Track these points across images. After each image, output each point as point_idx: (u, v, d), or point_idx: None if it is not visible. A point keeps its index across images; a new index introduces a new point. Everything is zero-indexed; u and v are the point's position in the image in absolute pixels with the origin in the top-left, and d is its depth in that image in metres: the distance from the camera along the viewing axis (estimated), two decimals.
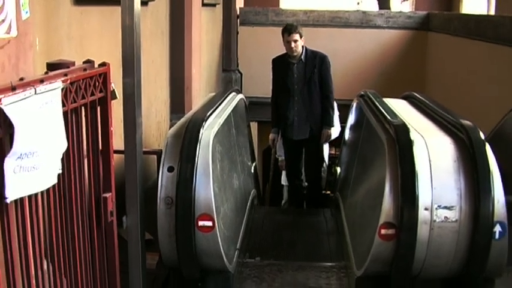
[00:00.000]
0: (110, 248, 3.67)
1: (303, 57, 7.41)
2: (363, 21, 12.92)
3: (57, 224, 3.11)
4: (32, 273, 2.80)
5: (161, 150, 4.45)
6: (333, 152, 8.95)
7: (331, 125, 7.51)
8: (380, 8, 18.21)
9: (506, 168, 5.93)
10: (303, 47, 7.43)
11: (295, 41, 7.26)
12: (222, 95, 5.99)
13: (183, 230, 4.09)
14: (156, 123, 7.17)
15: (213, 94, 6.50)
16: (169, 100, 7.89)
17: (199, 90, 8.74)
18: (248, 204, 5.88)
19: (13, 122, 2.44)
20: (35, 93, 2.65)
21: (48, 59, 3.52)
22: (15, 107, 2.48)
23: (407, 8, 17.28)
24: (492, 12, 14.23)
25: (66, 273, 3.22)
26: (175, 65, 7.99)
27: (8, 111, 2.43)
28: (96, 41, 4.99)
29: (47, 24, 3.97)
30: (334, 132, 7.74)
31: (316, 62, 7.42)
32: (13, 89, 2.55)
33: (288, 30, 7.32)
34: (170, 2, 7.71)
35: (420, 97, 5.86)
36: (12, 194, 2.52)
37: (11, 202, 2.57)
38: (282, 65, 7.55)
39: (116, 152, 3.78)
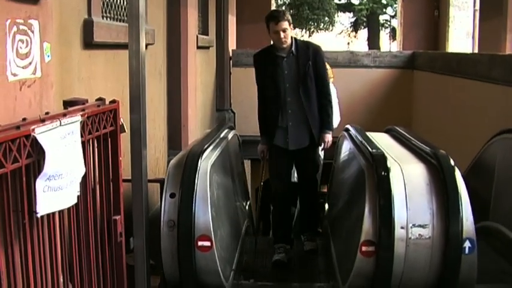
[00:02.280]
0: (118, 264, 4.11)
1: (293, 49, 6.21)
2: (351, 61, 13.49)
3: (75, 241, 3.55)
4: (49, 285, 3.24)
5: (164, 179, 4.91)
6: (325, 190, 8.28)
7: (331, 128, 6.42)
8: (370, 48, 18.77)
9: (484, 195, 6.45)
10: (291, 37, 6.24)
11: (284, 30, 6.07)
12: (217, 130, 6.46)
13: (184, 249, 4.53)
14: (155, 159, 7.58)
15: (209, 130, 6.98)
16: (167, 137, 8.34)
17: (195, 128, 9.21)
18: (242, 231, 6.30)
19: (44, 148, 2.91)
20: (60, 124, 3.11)
21: (62, 97, 3.98)
22: (45, 136, 2.94)
23: (395, 47, 17.84)
24: (476, 50, 14.83)
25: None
26: (173, 104, 8.47)
27: (39, 139, 2.89)
28: (101, 81, 5.45)
29: (61, 66, 4.43)
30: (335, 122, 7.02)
31: (310, 53, 6.22)
32: (42, 120, 3.02)
33: (275, 18, 6.09)
34: (167, 45, 8.21)
35: (400, 130, 6.34)
36: (41, 209, 2.97)
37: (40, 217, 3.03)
38: (267, 60, 6.30)
39: (124, 180, 4.23)
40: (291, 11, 33.32)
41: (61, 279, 3.42)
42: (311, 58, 6.19)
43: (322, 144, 6.35)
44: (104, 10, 5.62)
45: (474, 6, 15.34)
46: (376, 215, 4.45)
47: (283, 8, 33.81)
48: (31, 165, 2.93)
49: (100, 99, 3.94)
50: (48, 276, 3.21)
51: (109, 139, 3.95)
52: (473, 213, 5.13)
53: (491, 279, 5.53)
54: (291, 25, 6.17)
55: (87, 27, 5.05)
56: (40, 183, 2.94)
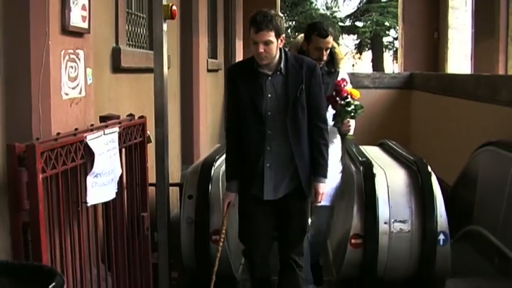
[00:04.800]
0: (145, 253, 4.86)
1: (282, 65, 4.60)
2: (351, 82, 14.16)
3: (111, 231, 4.32)
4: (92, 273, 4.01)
5: (182, 183, 5.72)
6: None
7: (326, 175, 4.74)
8: (374, 69, 19.24)
9: (470, 201, 7.21)
10: (281, 50, 4.62)
11: (267, 43, 4.45)
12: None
13: (201, 242, 5.34)
14: (170, 173, 8.32)
15: (219, 145, 7.76)
16: (181, 153, 9.11)
17: (206, 145, 9.95)
18: None
19: (94, 151, 3.70)
20: (104, 134, 3.90)
21: (97, 113, 4.76)
22: (94, 142, 3.73)
23: (397, 69, 18.49)
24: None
25: (113, 271, 4.40)
26: (186, 122, 9.20)
27: (90, 144, 3.68)
28: (126, 100, 6.23)
29: (95, 88, 5.20)
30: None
31: (303, 73, 4.60)
32: (90, 130, 3.82)
33: (257, 24, 4.46)
34: (181, 69, 9.01)
35: (390, 143, 7.14)
36: (91, 200, 3.75)
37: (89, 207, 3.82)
38: (245, 76, 4.67)
39: (149, 184, 5.01)
40: (297, 34, 34.14)
41: (102, 266, 4.21)
42: (304, 79, 4.59)
43: (315, 196, 4.73)
44: (128, 39, 6.44)
45: (472, 28, 15.97)
46: (363, 212, 5.23)
47: (289, 31, 34.69)
48: (83, 165, 3.72)
49: (130, 115, 4.72)
50: (92, 259, 3.99)
51: (138, 148, 4.72)
52: (460, 218, 5.90)
53: (469, 275, 6.26)
54: (281, 36, 4.52)
55: (115, 54, 5.85)
56: (89, 180, 3.73)
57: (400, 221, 5.25)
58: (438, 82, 12.26)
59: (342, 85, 5.25)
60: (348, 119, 5.29)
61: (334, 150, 5.40)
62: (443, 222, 5.25)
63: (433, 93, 12.45)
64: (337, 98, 5.26)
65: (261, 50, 4.46)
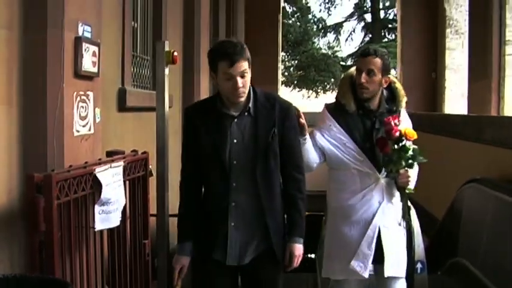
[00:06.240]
0: (145, 277, 5.28)
1: (251, 105, 3.86)
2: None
3: (116, 255, 4.77)
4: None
5: None
6: None
7: (302, 235, 4.01)
8: None
9: (456, 234, 7.65)
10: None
11: (243, 74, 3.73)
12: None
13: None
14: (171, 205, 8.75)
15: None
16: None
17: None
18: None
19: (101, 182, 4.16)
20: (110, 167, 4.37)
21: (104, 148, 5.23)
22: (102, 174, 4.20)
23: None
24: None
25: None
26: None
27: (98, 176, 4.15)
28: (130, 136, 6.71)
29: (102, 125, 5.67)
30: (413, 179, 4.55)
31: (276, 114, 3.86)
32: (99, 164, 4.29)
33: (230, 56, 3.68)
34: (182, 107, 9.48)
35: None
36: (98, 226, 4.21)
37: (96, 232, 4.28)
38: (206, 120, 3.94)
39: (151, 215, 5.44)
40: (299, 73, 34.73)
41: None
42: (277, 122, 3.86)
43: (289, 260, 3.98)
44: (133, 80, 6.94)
45: (468, 69, 16.37)
46: None
47: (291, 70, 35.23)
48: (91, 194, 4.19)
49: (134, 150, 5.19)
50: (98, 279, 4.43)
51: (141, 181, 5.18)
52: (448, 250, 6.23)
53: None
54: (250, 66, 3.79)
55: (121, 94, 6.35)
56: (97, 207, 4.19)
57: None
58: (430, 122, 12.73)
59: (393, 123, 4.30)
60: (406, 169, 4.39)
61: (395, 208, 4.66)
62: (420, 252, 5.64)
63: (427, 132, 12.90)
64: (388, 141, 4.35)
65: (241, 84, 3.72)
